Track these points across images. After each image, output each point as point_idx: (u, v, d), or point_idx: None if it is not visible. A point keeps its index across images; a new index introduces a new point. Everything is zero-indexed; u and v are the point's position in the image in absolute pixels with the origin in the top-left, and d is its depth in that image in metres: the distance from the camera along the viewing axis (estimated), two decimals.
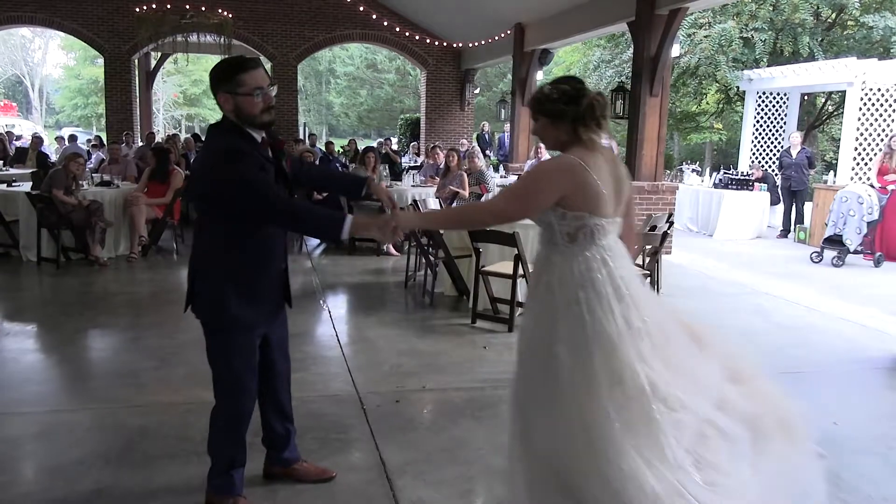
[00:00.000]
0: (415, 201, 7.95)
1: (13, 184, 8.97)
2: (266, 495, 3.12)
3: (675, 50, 10.35)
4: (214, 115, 40.84)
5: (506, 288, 5.84)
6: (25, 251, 8.13)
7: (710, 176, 12.70)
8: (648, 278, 6.07)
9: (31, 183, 9.14)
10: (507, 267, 5.78)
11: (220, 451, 2.94)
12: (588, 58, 21.42)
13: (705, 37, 15.13)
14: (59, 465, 3.35)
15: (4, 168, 11.81)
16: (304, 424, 3.64)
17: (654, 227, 6.61)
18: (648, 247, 6.32)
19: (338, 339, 5.51)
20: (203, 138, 14.98)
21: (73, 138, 17.06)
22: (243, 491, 2.98)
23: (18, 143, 16.63)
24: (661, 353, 2.40)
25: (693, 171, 13.21)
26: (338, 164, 13.13)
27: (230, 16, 13.74)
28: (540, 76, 14.13)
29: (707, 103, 19.73)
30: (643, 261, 6.34)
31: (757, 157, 13.56)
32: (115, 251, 8.43)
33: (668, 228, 6.85)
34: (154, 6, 13.62)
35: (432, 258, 6.83)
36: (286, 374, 3.14)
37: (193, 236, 2.89)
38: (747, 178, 11.81)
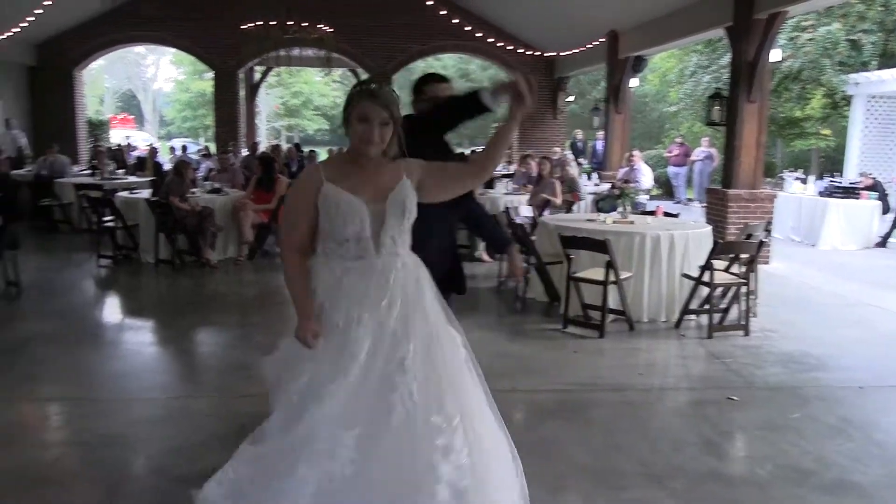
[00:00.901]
0: (507, 209, 8.09)
1: (134, 191, 9.68)
2: None
3: (776, 54, 10.11)
4: (313, 125, 42.26)
5: (597, 294, 5.90)
6: (144, 253, 8.75)
7: (814, 184, 12.26)
8: (744, 287, 6.01)
9: (150, 190, 9.81)
10: (598, 273, 5.85)
11: None
12: (684, 63, 21.04)
13: (809, 40, 14.65)
14: (182, 447, 3.69)
15: (124, 177, 12.68)
16: None
17: (749, 236, 6.51)
18: (744, 255, 6.23)
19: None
20: (302, 148, 15.61)
21: (184, 149, 18.08)
22: None
23: (136, 154, 17.76)
24: None
25: (796, 178, 12.78)
26: None
27: (330, 31, 14.29)
28: (634, 83, 14.04)
29: (812, 108, 19.00)
30: (738, 269, 6.27)
31: (866, 164, 12.98)
32: (224, 254, 8.96)
33: (766, 237, 6.73)
34: (259, 23, 14.31)
35: (524, 264, 6.95)
36: None
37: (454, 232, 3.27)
38: (854, 186, 11.35)
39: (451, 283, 3.19)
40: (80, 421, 4.07)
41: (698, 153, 17.04)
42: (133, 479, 3.41)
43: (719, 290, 6.19)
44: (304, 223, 2.50)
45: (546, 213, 8.68)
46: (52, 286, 7.56)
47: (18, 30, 14.10)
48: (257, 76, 21.98)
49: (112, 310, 7.24)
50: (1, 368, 4.93)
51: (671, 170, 17.78)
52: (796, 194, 11.99)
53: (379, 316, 2.47)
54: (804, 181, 12.38)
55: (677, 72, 22.03)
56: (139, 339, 5.92)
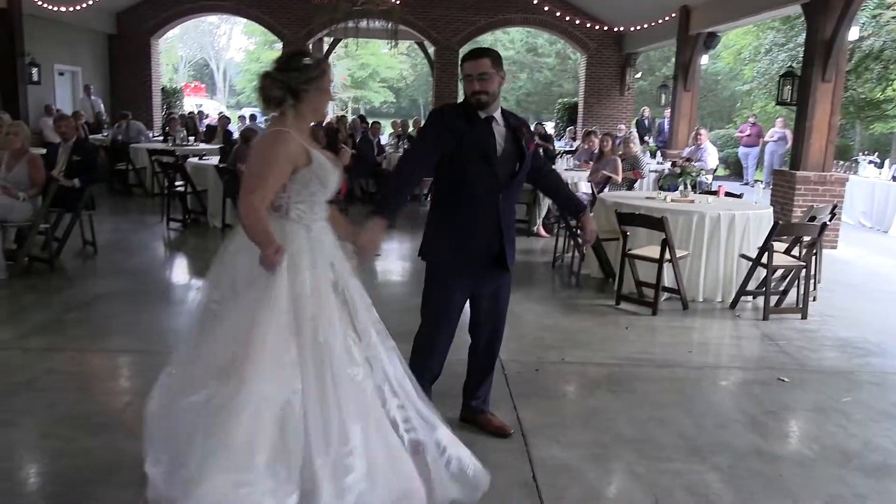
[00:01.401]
0: (567, 184, 8.08)
1: (203, 158, 10.02)
2: None
3: (854, 33, 9.75)
4: (379, 97, 42.57)
5: (652, 272, 5.89)
6: (212, 218, 9.09)
7: (890, 168, 11.80)
8: (804, 270, 5.91)
9: (218, 157, 10.14)
10: (653, 251, 5.84)
11: None
12: (760, 41, 20.36)
13: (893, 18, 13.98)
14: None
15: (195, 144, 13.10)
16: (450, 383, 3.95)
17: (813, 219, 6.38)
18: (807, 238, 6.12)
19: None
20: (366, 119, 15.78)
21: (252, 118, 18.51)
22: None
23: (207, 121, 18.27)
24: None
25: (870, 162, 12.32)
26: (372, 143, 12.95)
27: (398, 2, 14.35)
28: (705, 60, 13.72)
29: (894, 90, 18.18)
30: (799, 252, 6.16)
31: None
32: None
33: (830, 220, 6.57)
34: None
35: (580, 240, 6.97)
36: (483, 333, 3.52)
37: (508, 212, 3.33)
38: None
39: (496, 260, 3.31)
40: (148, 372, 4.31)
41: (771, 133, 16.52)
42: None
43: (778, 273, 6.10)
44: (279, 183, 2.61)
45: (606, 190, 8.63)
46: (124, 246, 7.94)
47: None
48: (325, 47, 22.25)
49: (179, 270, 7.57)
50: (77, 321, 5.25)
51: (742, 150, 17.30)
52: (870, 179, 11.57)
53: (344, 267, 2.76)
54: (879, 165, 11.93)
55: (752, 49, 21.32)
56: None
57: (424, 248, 3.42)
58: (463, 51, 18.56)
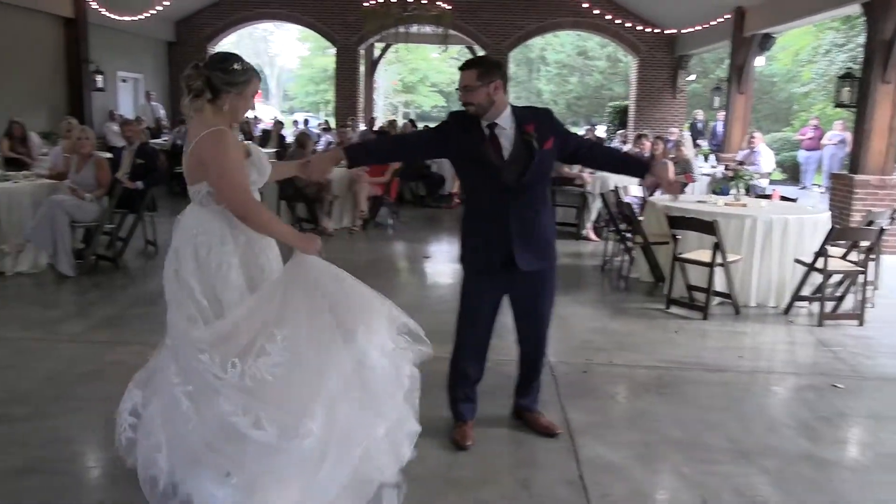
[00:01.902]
0: (616, 188, 8.06)
1: None
2: (485, 426, 3.63)
3: None
4: (429, 101, 42.83)
5: (702, 276, 5.85)
6: None
7: None
8: (862, 276, 5.80)
9: (274, 161, 10.38)
10: (705, 255, 5.80)
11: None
12: (819, 41, 19.91)
13: None
14: None
15: None
16: (499, 383, 4.03)
17: (871, 223, 6.25)
18: (865, 243, 6.00)
19: None
20: (416, 124, 15.94)
21: (305, 123, 18.87)
22: (471, 419, 3.57)
23: (261, 126, 18.68)
24: None
25: None
26: None
27: (449, 7, 14.48)
28: (760, 62, 13.50)
29: None
30: (857, 257, 6.04)
31: None
32: (340, 223, 9.41)
33: (889, 225, 6.43)
34: (380, 0, 14.70)
35: (629, 244, 6.96)
36: (524, 335, 3.60)
37: (524, 215, 3.32)
38: None
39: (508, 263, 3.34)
40: None
41: (830, 137, 16.11)
42: None
43: (834, 278, 5.99)
44: (244, 173, 2.72)
45: (657, 193, 8.58)
46: None
47: (161, 8, 15.11)
48: (377, 52, 22.53)
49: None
50: (140, 316, 5.47)
51: (802, 154, 16.84)
52: None
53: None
54: None
55: (810, 50, 20.86)
56: None
57: (459, 254, 3.56)
58: (514, 55, 18.63)
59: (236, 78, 2.73)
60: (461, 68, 3.29)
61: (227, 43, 20.16)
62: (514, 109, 3.32)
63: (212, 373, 2.54)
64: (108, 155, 8.60)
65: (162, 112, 16.62)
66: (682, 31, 16.30)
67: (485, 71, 3.24)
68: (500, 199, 3.28)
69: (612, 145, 16.46)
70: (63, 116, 11.86)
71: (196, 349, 2.58)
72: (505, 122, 3.28)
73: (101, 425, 3.62)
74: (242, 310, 2.66)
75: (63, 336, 4.93)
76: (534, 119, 3.31)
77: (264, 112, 32.30)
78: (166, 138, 14.02)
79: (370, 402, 2.67)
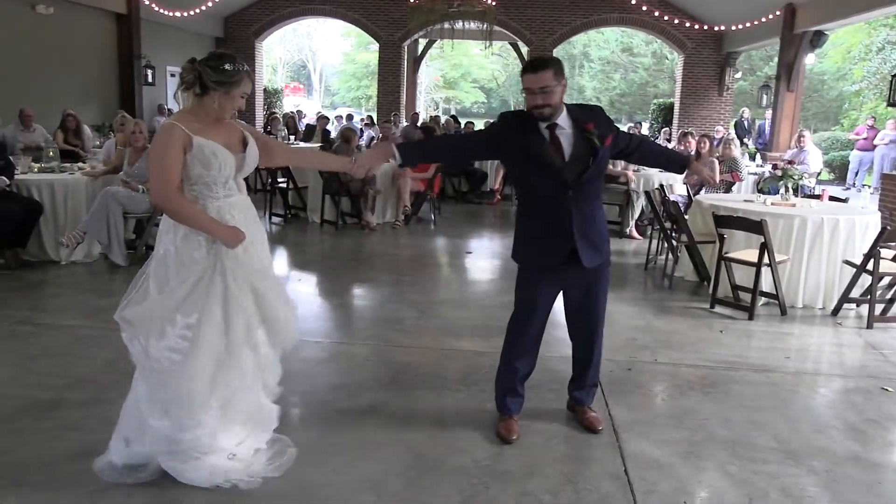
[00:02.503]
0: (661, 186, 8.01)
1: None
2: (529, 420, 3.67)
3: None
4: (470, 97, 42.86)
5: (748, 276, 5.80)
6: (311, 213, 9.47)
7: None
8: None
9: (319, 152, 10.54)
10: (751, 255, 5.74)
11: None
12: (871, 39, 19.44)
13: None
14: (343, 384, 4.12)
15: (295, 142, 13.62)
16: (543, 378, 4.07)
17: None
18: None
19: None
20: (458, 120, 15.98)
21: (349, 118, 19.05)
22: (516, 413, 3.61)
23: (305, 121, 18.92)
24: None
25: None
26: None
27: (493, 3, 14.49)
28: (811, 59, 13.27)
29: None
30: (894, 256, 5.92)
31: None
32: (383, 218, 9.51)
33: None
34: None
35: (675, 243, 6.91)
36: (577, 331, 3.64)
37: (584, 210, 3.34)
38: None
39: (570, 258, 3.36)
40: None
41: (882, 136, 15.71)
42: (304, 406, 3.85)
43: (885, 280, 5.88)
44: (174, 168, 2.90)
45: (703, 192, 8.50)
46: None
47: (211, 4, 15.40)
48: (420, 48, 22.62)
49: (281, 262, 7.91)
50: None
51: (855, 154, 16.41)
52: None
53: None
54: None
55: (863, 47, 20.37)
56: (305, 289, 6.51)
57: (513, 250, 3.56)
58: (559, 51, 18.53)
59: (225, 77, 2.91)
60: (532, 70, 3.20)
61: (271, 37, 20.45)
62: (568, 109, 3.32)
63: (131, 350, 3.02)
64: None
65: None
66: (731, 27, 16.07)
67: (558, 69, 3.23)
68: (559, 197, 3.29)
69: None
70: (114, 110, 12.21)
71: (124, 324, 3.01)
72: (564, 122, 3.28)
73: None
74: (162, 293, 2.95)
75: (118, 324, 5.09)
76: (592, 117, 3.32)
77: (307, 107, 32.70)
78: None
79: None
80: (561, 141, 3.27)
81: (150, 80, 14.43)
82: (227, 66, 2.91)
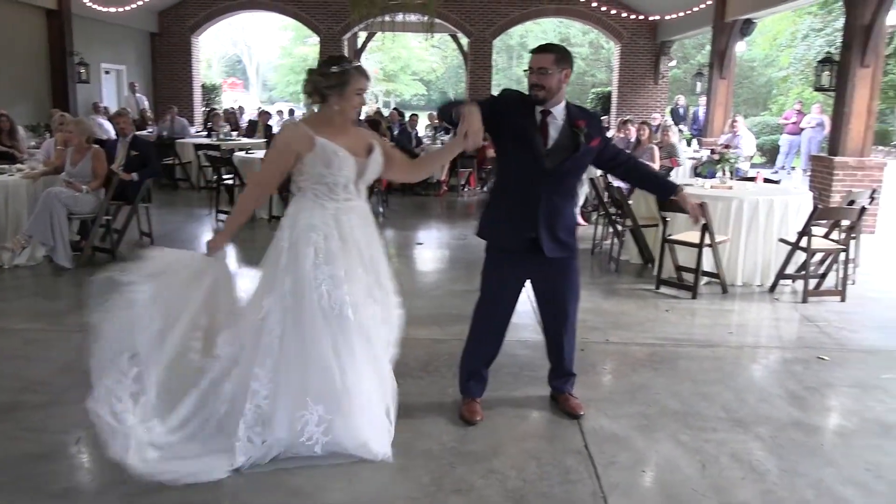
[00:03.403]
0: (605, 173, 8.22)
1: (249, 151, 10.34)
2: (490, 403, 3.78)
3: (893, 17, 9.69)
4: (409, 89, 42.76)
5: (691, 257, 6.03)
6: (259, 210, 9.38)
7: None
8: (843, 254, 6.00)
9: (264, 151, 10.45)
10: (693, 236, 5.97)
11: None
12: (797, 26, 20.18)
13: None
14: None
15: (238, 138, 13.45)
16: (500, 361, 4.17)
17: (851, 203, 6.45)
18: (846, 222, 6.20)
19: (529, 296, 5.99)
20: (402, 112, 15.98)
21: (291, 112, 18.84)
22: (479, 396, 3.73)
23: (247, 117, 18.64)
24: None
25: None
26: (410, 135, 13.27)
27: None
28: (741, 47, 13.70)
29: None
30: (838, 236, 6.25)
31: None
32: None
33: (869, 204, 6.64)
34: None
35: (619, 227, 7.13)
36: (548, 323, 3.75)
37: (553, 201, 3.41)
38: None
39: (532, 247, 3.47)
40: None
41: (809, 120, 16.40)
42: None
43: (817, 256, 6.19)
44: (279, 167, 3.16)
45: None
46: (178, 236, 8.27)
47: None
48: (360, 41, 22.51)
49: (229, 259, 7.85)
50: None
51: (784, 137, 17.07)
52: None
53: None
54: None
55: (789, 35, 21.13)
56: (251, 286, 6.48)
57: (478, 226, 3.64)
58: (497, 43, 18.72)
59: (335, 80, 3.06)
60: (536, 51, 3.36)
61: (208, 33, 20.06)
62: (569, 104, 3.43)
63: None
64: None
65: (146, 103, 16.57)
66: (665, 17, 16.47)
67: (561, 57, 3.34)
68: (533, 183, 3.37)
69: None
70: (48, 109, 11.85)
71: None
72: (559, 112, 3.38)
73: None
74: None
75: (71, 327, 4.99)
76: (586, 118, 3.43)
77: (246, 103, 32.15)
78: (151, 130, 14.00)
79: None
80: (549, 128, 3.37)
81: (83, 77, 14.03)
82: (334, 69, 3.06)
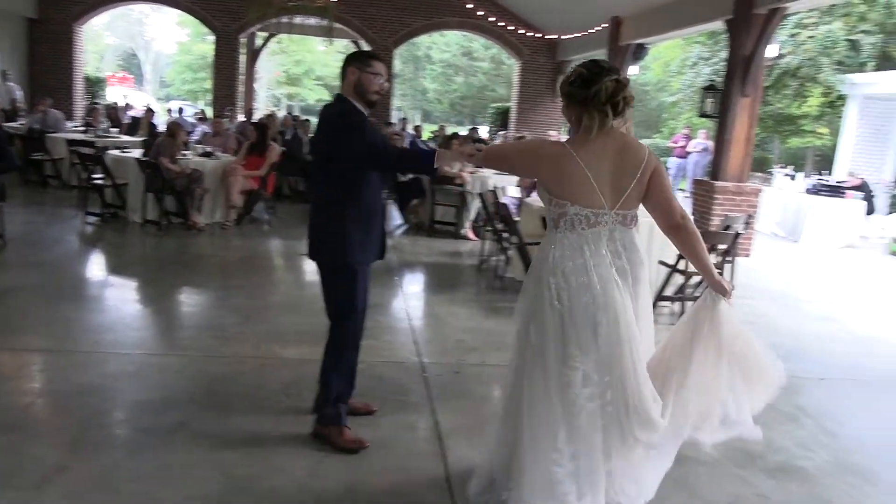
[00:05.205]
0: (495, 188, 8.15)
1: (125, 150, 9.70)
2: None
3: (773, 50, 10.15)
4: (313, 94, 42.08)
5: None
6: (132, 213, 8.79)
7: (803, 181, 12.34)
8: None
9: (141, 150, 9.83)
10: None
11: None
12: (686, 54, 21.01)
13: (809, 37, 14.66)
14: (148, 400, 3.78)
15: (118, 136, 12.67)
16: (369, 385, 3.96)
17: (727, 227, 6.60)
18: (722, 246, 6.33)
19: (408, 313, 5.81)
20: (299, 118, 15.59)
21: (180, 111, 18.05)
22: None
23: (131, 113, 17.70)
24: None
25: (785, 174, 12.86)
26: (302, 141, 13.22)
27: (334, 0, 14.21)
28: (635, 70, 14.05)
29: (809, 106, 19.04)
30: (715, 260, 6.36)
31: (858, 165, 13.07)
32: (212, 218, 9.00)
33: (744, 229, 6.82)
34: None
35: (506, 244, 7.04)
36: None
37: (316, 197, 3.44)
38: (840, 185, 11.44)
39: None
40: (55, 371, 4.16)
41: (695, 145, 17.05)
42: (99, 428, 3.48)
43: (694, 279, 6.28)
44: None
45: (534, 194, 8.74)
46: (37, 240, 7.61)
47: None
48: (259, 42, 21.87)
49: (95, 266, 7.29)
50: None
51: (673, 160, 17.64)
52: (783, 190, 12.07)
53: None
54: (792, 177, 12.47)
55: (679, 62, 21.99)
56: (120, 295, 6.00)
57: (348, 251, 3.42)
58: (400, 52, 18.57)
59: (583, 92, 2.67)
60: (382, 60, 3.38)
61: (98, 23, 18.97)
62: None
63: None
64: None
65: (19, 93, 15.42)
66: (563, 36, 16.76)
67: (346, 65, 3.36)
68: (380, 192, 3.37)
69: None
70: None
71: None
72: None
73: None
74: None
75: None
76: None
77: (137, 98, 30.74)
78: (23, 122, 13.00)
79: None
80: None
81: None
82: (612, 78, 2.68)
